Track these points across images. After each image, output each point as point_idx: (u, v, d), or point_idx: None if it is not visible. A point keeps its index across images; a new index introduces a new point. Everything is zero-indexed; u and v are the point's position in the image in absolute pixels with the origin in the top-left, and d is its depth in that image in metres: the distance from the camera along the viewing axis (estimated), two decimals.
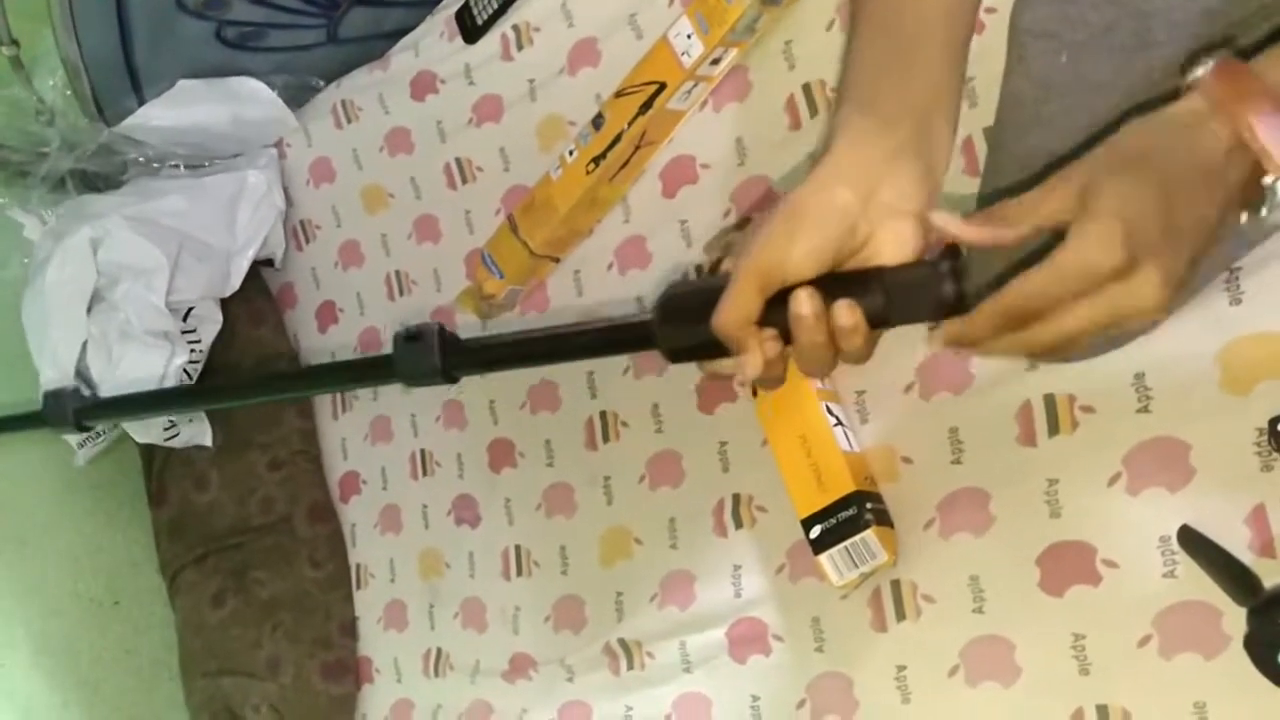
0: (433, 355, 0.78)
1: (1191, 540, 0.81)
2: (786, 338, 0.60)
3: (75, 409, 1.34)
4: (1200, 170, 0.52)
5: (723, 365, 0.65)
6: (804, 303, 0.57)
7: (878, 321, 0.60)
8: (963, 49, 0.62)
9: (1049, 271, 0.53)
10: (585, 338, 0.73)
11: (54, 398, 1.37)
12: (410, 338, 0.79)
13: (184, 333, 1.49)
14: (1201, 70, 0.54)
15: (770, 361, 0.61)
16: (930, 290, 0.59)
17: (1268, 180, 0.52)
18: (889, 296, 0.59)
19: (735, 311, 0.59)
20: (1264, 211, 0.54)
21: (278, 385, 1.31)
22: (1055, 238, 0.54)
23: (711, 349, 0.64)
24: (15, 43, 1.38)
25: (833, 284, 0.59)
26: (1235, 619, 0.81)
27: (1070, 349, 0.56)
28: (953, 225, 0.58)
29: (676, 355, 0.67)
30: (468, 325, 1.39)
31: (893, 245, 0.59)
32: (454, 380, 0.80)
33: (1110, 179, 0.53)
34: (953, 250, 0.59)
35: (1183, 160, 0.52)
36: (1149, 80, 0.68)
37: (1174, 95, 0.56)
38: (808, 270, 0.58)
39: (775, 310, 0.60)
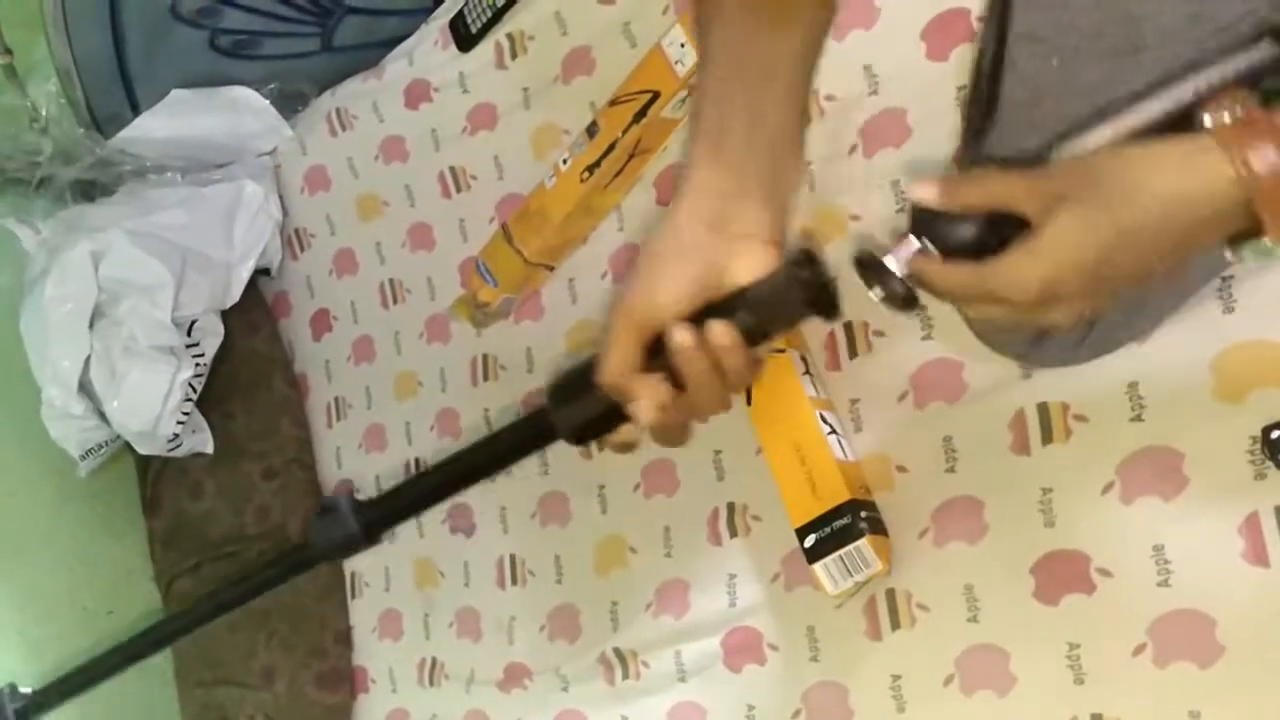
0: (349, 522, 0.77)
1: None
2: (674, 381, 0.62)
3: (15, 709, 1.13)
4: (1169, 213, 0.55)
5: (626, 433, 0.66)
6: (679, 334, 0.60)
7: (755, 336, 0.62)
8: (808, 87, 0.65)
9: (974, 275, 0.59)
10: (487, 452, 0.72)
11: None
12: (322, 512, 0.78)
13: (188, 347, 1.49)
14: (1228, 116, 0.57)
15: (664, 406, 0.62)
16: (790, 287, 0.61)
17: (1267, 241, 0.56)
18: (754, 307, 0.61)
19: (617, 361, 0.61)
20: (1245, 255, 0.59)
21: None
22: None
23: (610, 417, 0.65)
24: (9, 51, 1.38)
25: (703, 315, 0.61)
26: (1230, 627, 0.81)
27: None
28: (918, 188, 0.62)
29: (579, 435, 0.68)
30: (463, 334, 1.39)
31: (751, 272, 0.61)
32: (376, 541, 0.79)
33: (1074, 211, 0.56)
34: (804, 251, 0.61)
35: (1153, 207, 0.55)
36: (1136, 85, 0.68)
37: (1183, 126, 0.58)
38: (677, 310, 0.61)
39: (658, 355, 0.62)
